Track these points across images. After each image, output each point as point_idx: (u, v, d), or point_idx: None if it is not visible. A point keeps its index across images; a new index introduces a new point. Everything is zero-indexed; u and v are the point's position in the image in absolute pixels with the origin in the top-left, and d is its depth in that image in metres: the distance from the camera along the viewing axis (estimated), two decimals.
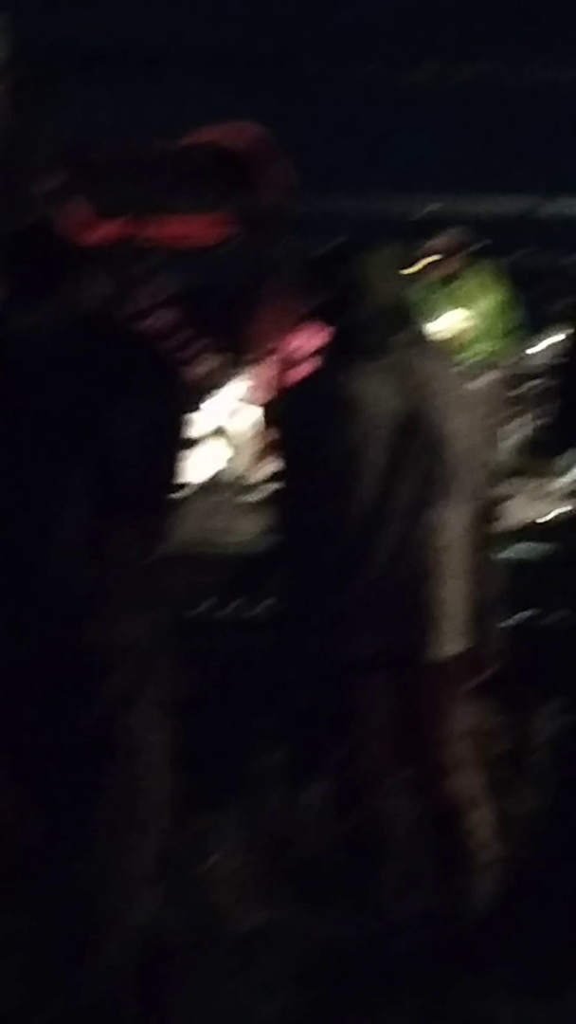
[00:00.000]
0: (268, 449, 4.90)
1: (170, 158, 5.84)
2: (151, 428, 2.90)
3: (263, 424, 5.11)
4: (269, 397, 5.54)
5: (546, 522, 4.09)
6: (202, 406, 5.11)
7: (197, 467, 4.09)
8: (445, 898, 3.33)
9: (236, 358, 5.68)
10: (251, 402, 5.37)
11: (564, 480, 4.39)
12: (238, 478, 4.87)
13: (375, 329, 3.33)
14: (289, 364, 5.68)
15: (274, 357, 5.67)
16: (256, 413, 5.23)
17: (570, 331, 3.25)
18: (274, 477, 3.56)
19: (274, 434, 4.10)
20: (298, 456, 3.36)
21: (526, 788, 3.78)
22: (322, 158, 6.60)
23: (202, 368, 5.21)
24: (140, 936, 2.88)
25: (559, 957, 3.02)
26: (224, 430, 5.17)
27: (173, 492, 3.03)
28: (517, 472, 4.88)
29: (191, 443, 3.89)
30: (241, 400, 5.37)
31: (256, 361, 5.70)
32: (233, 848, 3.65)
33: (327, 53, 4.95)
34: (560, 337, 5.06)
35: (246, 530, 4.07)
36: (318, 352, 4.99)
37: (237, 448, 5.15)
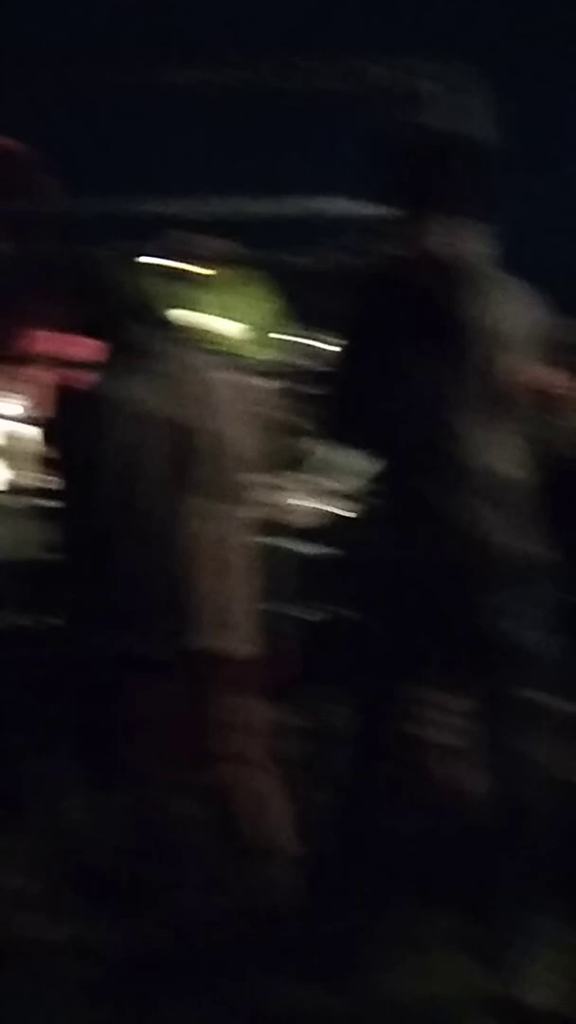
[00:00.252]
0: (45, 462, 4.83)
1: None
2: None
3: (40, 438, 5.04)
4: (43, 411, 5.46)
5: (316, 522, 4.16)
6: None
7: None
8: (241, 896, 3.36)
9: (4, 371, 5.58)
10: (26, 418, 5.28)
11: (335, 481, 4.48)
12: (16, 489, 4.79)
13: (142, 335, 3.35)
14: (59, 374, 5.60)
15: (44, 367, 5.58)
16: (31, 429, 5.15)
17: (337, 334, 3.33)
18: (50, 488, 3.52)
19: (50, 443, 4.06)
20: (70, 465, 3.34)
21: (316, 785, 3.84)
22: (80, 162, 6.56)
23: None
24: None
25: (351, 948, 3.08)
26: (5, 445, 5.07)
27: None
28: (288, 473, 4.95)
29: None
30: (15, 416, 5.27)
31: (25, 373, 5.60)
32: (26, 863, 3.59)
33: (83, 56, 4.93)
34: (327, 339, 5.16)
35: (22, 539, 4.01)
36: (87, 361, 4.96)
37: (13, 463, 5.06)
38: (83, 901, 3.52)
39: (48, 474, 4.69)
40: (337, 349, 3.29)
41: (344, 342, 3.24)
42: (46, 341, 5.77)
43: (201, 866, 3.40)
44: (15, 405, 5.33)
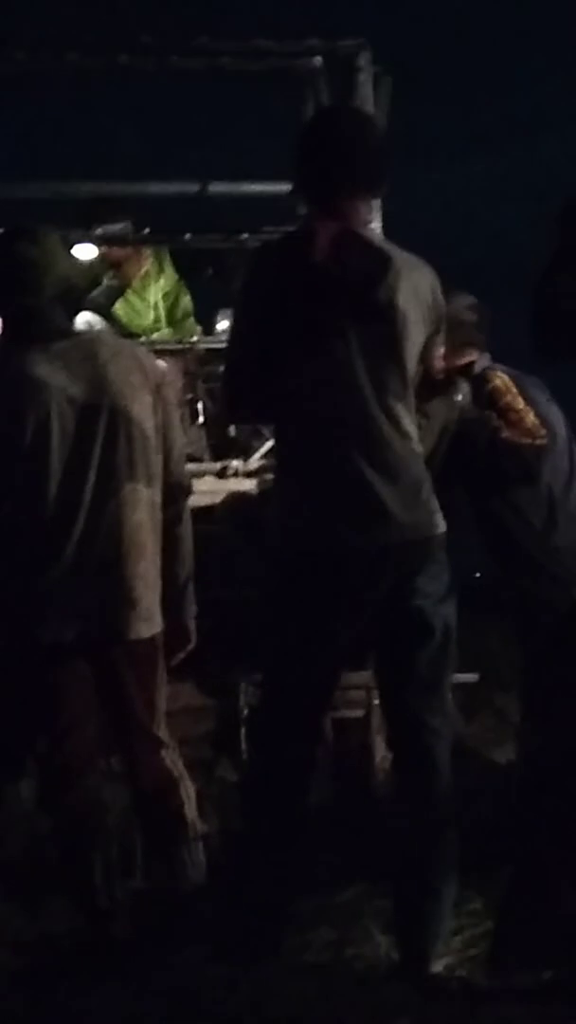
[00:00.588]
0: None
1: None
2: None
3: None
4: None
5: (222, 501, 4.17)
6: None
7: None
8: (155, 878, 3.38)
9: None
10: None
11: (249, 461, 4.50)
12: None
13: (50, 315, 3.32)
14: None
15: None
16: None
17: (241, 312, 3.32)
18: None
19: None
20: None
21: (228, 763, 3.87)
22: None
23: None
24: None
25: (264, 923, 3.10)
26: None
27: None
28: (202, 452, 4.96)
29: None
30: None
31: None
32: None
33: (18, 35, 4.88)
34: (232, 319, 5.17)
35: None
36: None
37: None
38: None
39: None
40: (240, 327, 3.29)
41: (247, 319, 3.23)
42: None
43: (114, 848, 3.41)
44: None
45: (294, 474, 3.19)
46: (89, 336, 3.41)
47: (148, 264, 5.66)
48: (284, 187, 4.44)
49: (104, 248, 5.28)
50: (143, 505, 3.34)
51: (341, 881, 3.44)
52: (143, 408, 3.36)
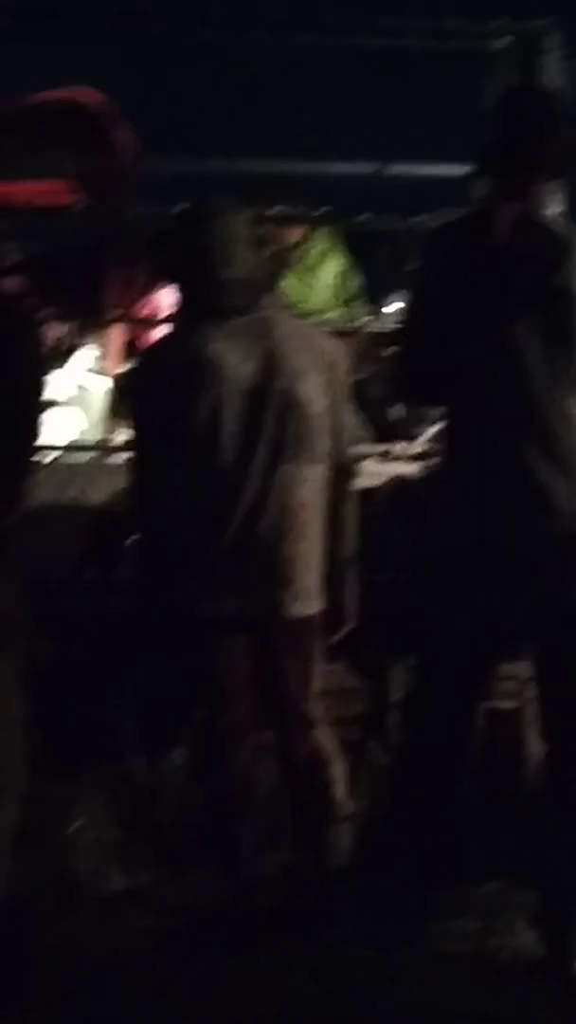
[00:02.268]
0: (120, 417, 4.88)
1: (22, 115, 5.69)
2: (10, 388, 2.87)
3: (114, 393, 5.09)
4: (120, 365, 5.50)
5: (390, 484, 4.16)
6: (52, 375, 5.06)
7: (50, 434, 4.06)
8: (303, 854, 3.40)
9: (85, 325, 5.62)
10: (101, 371, 5.34)
11: (412, 444, 4.48)
12: (96, 443, 4.84)
13: (227, 293, 3.35)
14: (140, 330, 5.64)
15: (124, 323, 5.63)
16: (106, 382, 5.20)
17: (416, 293, 3.30)
18: (129, 443, 3.56)
19: (127, 401, 4.10)
20: (152, 421, 3.37)
21: (378, 746, 3.87)
22: (162, 121, 6.55)
23: (50, 336, 5.14)
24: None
25: (409, 909, 3.10)
26: (75, 399, 5.12)
27: (31, 455, 3.01)
28: (363, 434, 4.95)
29: (49, 406, 3.85)
30: (91, 369, 5.33)
31: (105, 328, 5.65)
32: (94, 813, 3.66)
33: (168, 15, 4.92)
34: (406, 300, 5.14)
35: (104, 495, 4.05)
36: (169, 317, 4.98)
37: (88, 417, 5.11)
38: (146, 852, 3.59)
39: (120, 428, 4.75)
40: (415, 308, 3.26)
41: (423, 301, 3.20)
42: (125, 297, 5.81)
43: (264, 823, 3.45)
44: (88, 357, 5.39)
45: (460, 459, 3.17)
46: (265, 314, 3.42)
47: (319, 241, 5.66)
48: (463, 169, 4.39)
49: (283, 226, 5.30)
50: (309, 485, 3.36)
51: (487, 872, 3.42)
52: (314, 388, 3.37)
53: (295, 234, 5.68)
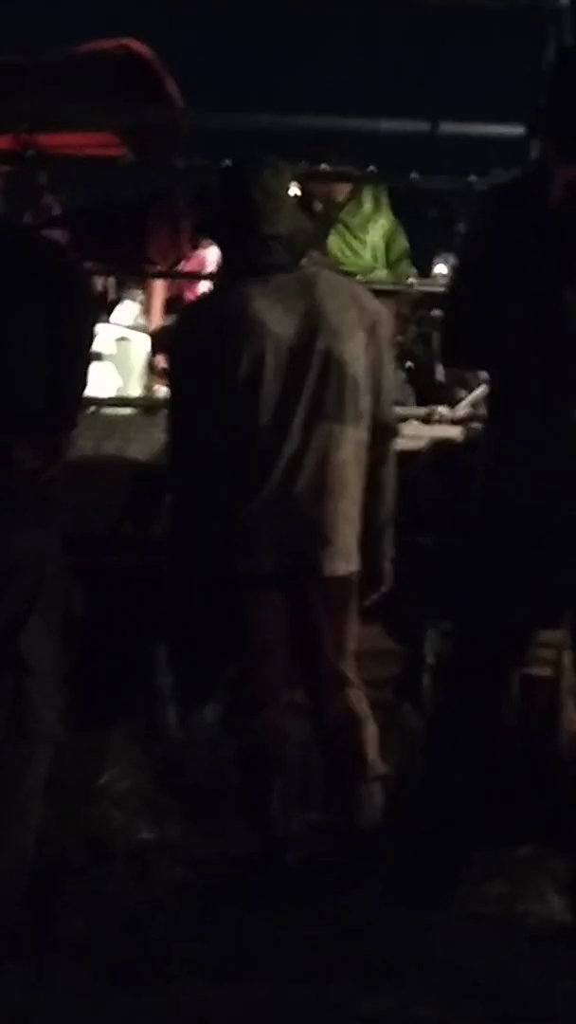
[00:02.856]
0: (161, 371, 4.87)
1: (74, 64, 5.65)
2: (57, 338, 2.86)
3: (155, 347, 5.08)
4: (162, 321, 5.50)
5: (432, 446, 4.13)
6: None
7: (91, 388, 4.05)
8: (333, 813, 3.41)
9: (127, 280, 5.61)
10: (142, 326, 5.33)
11: (456, 408, 4.44)
12: (136, 398, 4.84)
13: (271, 250, 3.33)
14: (184, 286, 5.63)
15: (168, 279, 5.62)
16: (147, 338, 5.19)
17: (465, 254, 3.25)
18: (168, 399, 3.56)
19: (168, 355, 4.09)
20: (192, 377, 3.36)
21: (411, 708, 3.87)
22: (207, 74, 6.51)
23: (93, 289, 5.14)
24: (29, 851, 2.90)
25: (438, 870, 3.10)
26: (115, 354, 5.12)
27: (75, 408, 3.01)
28: (408, 397, 4.92)
29: (95, 358, 3.84)
30: (132, 324, 5.32)
31: (148, 283, 5.64)
32: (127, 765, 3.68)
33: None
34: (452, 263, 5.09)
35: (143, 450, 4.05)
36: (212, 274, 4.96)
37: (128, 372, 5.11)
38: (177, 805, 3.61)
39: (160, 383, 4.74)
40: (464, 270, 3.23)
41: (473, 262, 3.16)
42: (169, 253, 5.80)
43: (294, 779, 3.46)
44: (130, 311, 5.37)
45: (505, 423, 3.14)
46: (309, 272, 3.40)
47: (367, 199, 5.61)
48: (515, 130, 4.33)
49: (328, 183, 5.25)
50: (349, 444, 3.34)
51: (518, 837, 3.42)
52: (356, 347, 3.35)
53: (342, 192, 5.64)
